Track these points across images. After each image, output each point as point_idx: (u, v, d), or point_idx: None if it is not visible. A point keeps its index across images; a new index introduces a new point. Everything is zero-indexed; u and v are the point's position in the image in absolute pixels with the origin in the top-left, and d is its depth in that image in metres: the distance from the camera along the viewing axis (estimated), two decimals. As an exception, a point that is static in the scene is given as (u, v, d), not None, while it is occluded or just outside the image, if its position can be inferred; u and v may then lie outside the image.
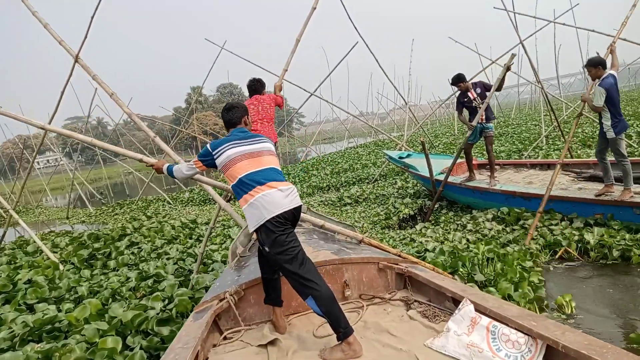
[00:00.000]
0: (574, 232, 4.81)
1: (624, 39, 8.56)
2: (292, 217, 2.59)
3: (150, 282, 4.69)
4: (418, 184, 8.96)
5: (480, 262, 4.26)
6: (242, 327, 2.84)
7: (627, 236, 4.50)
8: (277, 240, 2.47)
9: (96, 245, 6.43)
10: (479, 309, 2.35)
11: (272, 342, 2.59)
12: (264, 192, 2.50)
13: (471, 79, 12.54)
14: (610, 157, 5.10)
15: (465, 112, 6.45)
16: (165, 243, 6.66)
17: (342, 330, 2.34)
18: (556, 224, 5.13)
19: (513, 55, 5.72)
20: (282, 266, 2.51)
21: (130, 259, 5.87)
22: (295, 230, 4.34)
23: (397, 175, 11.33)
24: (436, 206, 6.81)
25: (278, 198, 2.51)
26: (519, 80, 21.74)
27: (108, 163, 27.62)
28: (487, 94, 6.10)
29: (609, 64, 4.97)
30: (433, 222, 6.37)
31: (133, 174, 23.53)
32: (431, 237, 5.28)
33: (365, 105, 59.57)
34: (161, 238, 6.89)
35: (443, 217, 6.39)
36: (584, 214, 5.13)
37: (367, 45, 12.26)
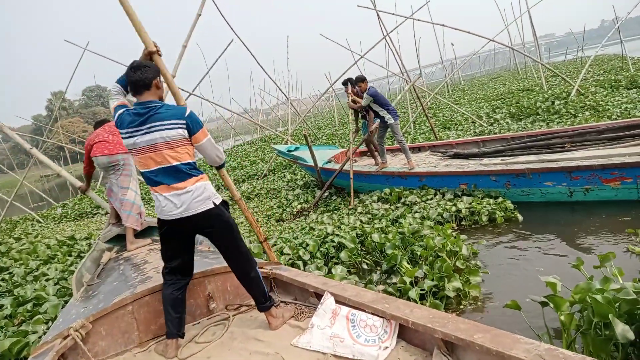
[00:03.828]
0: (448, 202, 5.34)
1: (469, 32, 9.86)
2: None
3: (29, 306, 4.25)
4: (307, 175, 9.33)
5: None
6: None
7: (491, 201, 5.15)
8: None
9: (-45, 276, 5.56)
10: (339, 300, 2.45)
11: None
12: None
13: (344, 72, 13.24)
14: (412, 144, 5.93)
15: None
16: (42, 264, 6.02)
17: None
18: (431, 198, 5.72)
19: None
20: None
21: (1, 285, 5.24)
22: (150, 247, 4.09)
23: (285, 168, 11.61)
24: (326, 194, 7.20)
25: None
26: (388, 73, 23.52)
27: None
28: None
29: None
30: (326, 209, 6.70)
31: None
32: (328, 223, 5.53)
33: (249, 102, 59.40)
34: (35, 259, 6.21)
35: (333, 204, 6.77)
36: (451, 186, 5.81)
37: (243, 43, 12.28)
